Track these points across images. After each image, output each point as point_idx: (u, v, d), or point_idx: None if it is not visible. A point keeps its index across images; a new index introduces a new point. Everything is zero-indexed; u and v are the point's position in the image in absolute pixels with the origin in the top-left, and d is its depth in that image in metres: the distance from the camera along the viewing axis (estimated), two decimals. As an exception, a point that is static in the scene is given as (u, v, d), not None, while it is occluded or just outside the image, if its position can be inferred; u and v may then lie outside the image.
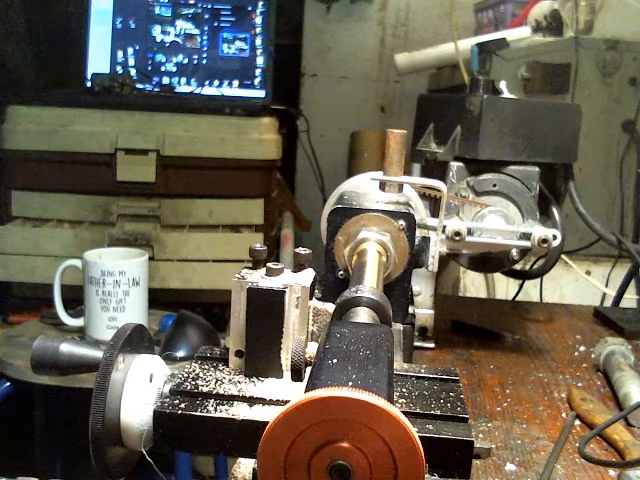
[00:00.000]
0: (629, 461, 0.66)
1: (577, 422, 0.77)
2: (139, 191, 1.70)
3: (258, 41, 1.95)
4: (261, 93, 1.96)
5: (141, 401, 0.41)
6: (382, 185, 0.64)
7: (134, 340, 0.43)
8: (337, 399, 0.29)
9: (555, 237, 0.85)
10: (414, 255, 0.61)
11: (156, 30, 1.94)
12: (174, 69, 1.96)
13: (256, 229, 1.76)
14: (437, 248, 0.66)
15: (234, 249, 1.69)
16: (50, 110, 1.67)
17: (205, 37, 1.95)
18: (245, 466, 0.48)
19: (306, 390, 0.31)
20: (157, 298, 1.51)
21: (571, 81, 1.61)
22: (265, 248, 0.48)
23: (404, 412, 0.29)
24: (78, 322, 1.35)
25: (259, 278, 0.45)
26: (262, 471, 0.31)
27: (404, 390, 0.43)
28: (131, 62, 1.95)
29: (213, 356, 0.47)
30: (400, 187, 0.64)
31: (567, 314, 1.19)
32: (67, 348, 0.42)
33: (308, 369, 0.42)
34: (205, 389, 0.42)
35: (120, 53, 1.94)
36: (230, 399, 0.41)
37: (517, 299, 1.30)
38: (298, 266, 0.48)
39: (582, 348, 1.02)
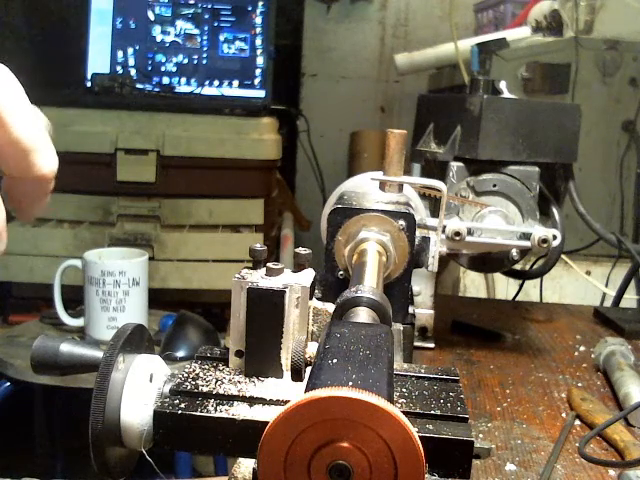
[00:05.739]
0: (629, 461, 0.66)
1: (577, 422, 0.77)
2: (139, 191, 1.70)
3: (258, 41, 1.95)
4: (261, 93, 1.96)
5: (141, 401, 0.41)
6: (382, 185, 0.64)
7: (134, 340, 0.43)
8: (337, 399, 0.29)
9: (555, 237, 0.85)
10: (414, 255, 0.61)
11: (156, 30, 1.94)
12: (174, 69, 1.96)
13: (256, 229, 1.76)
14: (437, 248, 0.66)
15: (234, 249, 1.69)
16: (50, 110, 1.66)
17: (205, 37, 1.95)
18: (245, 466, 0.48)
19: (306, 390, 0.31)
20: (157, 298, 1.51)
21: (571, 81, 1.61)
22: (265, 248, 0.48)
23: (404, 412, 0.29)
24: (78, 322, 1.35)
25: (259, 278, 0.45)
26: (262, 471, 0.31)
27: (404, 390, 0.43)
28: (131, 62, 1.95)
29: (213, 356, 0.47)
30: (400, 187, 0.64)
31: (567, 314, 1.19)
32: (67, 348, 0.42)
33: (308, 369, 0.42)
34: (205, 389, 0.42)
35: (120, 53, 1.94)
36: (230, 399, 0.41)
37: (517, 299, 1.30)
38: (298, 266, 0.48)
39: (582, 348, 1.02)
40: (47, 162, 0.38)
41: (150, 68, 1.95)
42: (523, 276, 1.13)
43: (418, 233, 0.63)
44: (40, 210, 0.39)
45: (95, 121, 1.68)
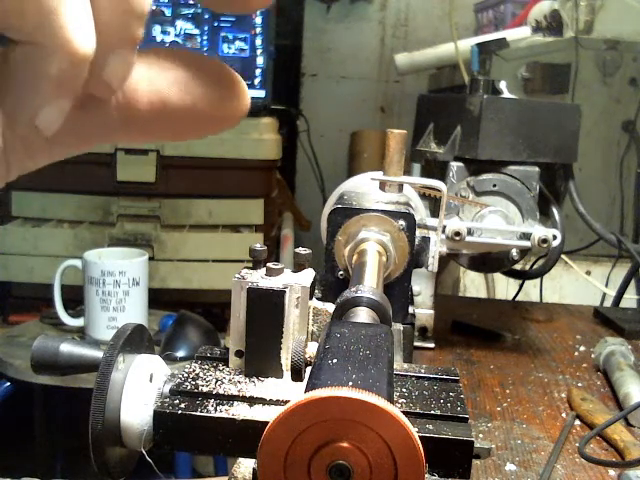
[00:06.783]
0: (629, 461, 0.66)
1: (577, 422, 0.77)
2: (139, 191, 1.70)
3: (258, 41, 1.94)
4: (261, 93, 1.96)
5: (141, 401, 0.41)
6: (382, 185, 0.64)
7: (134, 340, 0.43)
8: (337, 399, 0.29)
9: (555, 237, 0.85)
10: (414, 255, 0.61)
11: (156, 30, 1.94)
12: (174, 69, 1.95)
13: (256, 229, 1.76)
14: (437, 248, 0.66)
15: (234, 249, 1.69)
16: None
17: (205, 37, 1.95)
18: (245, 466, 0.48)
19: (306, 390, 0.31)
20: (157, 298, 1.51)
21: (571, 81, 1.61)
22: (265, 248, 0.48)
23: (404, 412, 0.29)
24: (78, 322, 1.35)
25: (259, 278, 0.45)
26: (262, 471, 0.31)
27: (404, 390, 0.43)
28: (131, 62, 1.94)
29: (213, 356, 0.47)
30: (400, 187, 0.64)
31: (567, 314, 1.19)
32: (67, 348, 0.42)
33: (308, 369, 0.42)
34: (205, 389, 0.42)
35: (120, 53, 1.94)
36: (230, 399, 0.41)
37: (517, 299, 1.30)
38: (298, 266, 0.48)
39: (582, 348, 1.02)
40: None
41: (150, 68, 1.95)
42: (523, 276, 1.13)
43: (418, 233, 0.63)
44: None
45: (95, 121, 1.68)
